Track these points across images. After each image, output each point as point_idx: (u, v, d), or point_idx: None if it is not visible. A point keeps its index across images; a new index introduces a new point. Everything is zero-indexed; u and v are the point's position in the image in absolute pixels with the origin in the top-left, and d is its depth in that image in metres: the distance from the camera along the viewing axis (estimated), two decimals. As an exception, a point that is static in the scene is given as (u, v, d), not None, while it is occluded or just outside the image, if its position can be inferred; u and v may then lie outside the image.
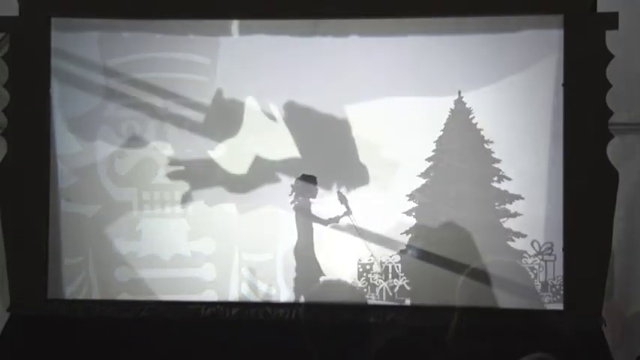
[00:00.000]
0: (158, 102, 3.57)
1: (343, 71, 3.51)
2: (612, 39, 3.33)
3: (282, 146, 3.54)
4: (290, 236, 3.53)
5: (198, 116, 3.57)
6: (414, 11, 3.46)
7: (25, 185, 3.55)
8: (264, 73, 3.54)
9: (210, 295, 3.54)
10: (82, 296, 3.58)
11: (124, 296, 3.57)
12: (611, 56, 3.32)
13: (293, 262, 3.51)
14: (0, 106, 3.57)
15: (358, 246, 3.49)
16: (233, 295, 3.54)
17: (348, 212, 3.46)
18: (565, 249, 3.39)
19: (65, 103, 3.59)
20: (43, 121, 3.57)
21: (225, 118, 3.56)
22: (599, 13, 3.37)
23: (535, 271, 3.41)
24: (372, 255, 3.47)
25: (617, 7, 3.34)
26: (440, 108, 3.46)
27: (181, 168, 3.57)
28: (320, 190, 3.50)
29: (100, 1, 3.57)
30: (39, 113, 3.57)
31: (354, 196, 3.50)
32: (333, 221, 3.48)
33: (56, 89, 3.57)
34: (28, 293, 3.54)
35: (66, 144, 3.59)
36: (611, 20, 3.33)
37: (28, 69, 3.56)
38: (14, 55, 3.54)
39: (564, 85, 3.39)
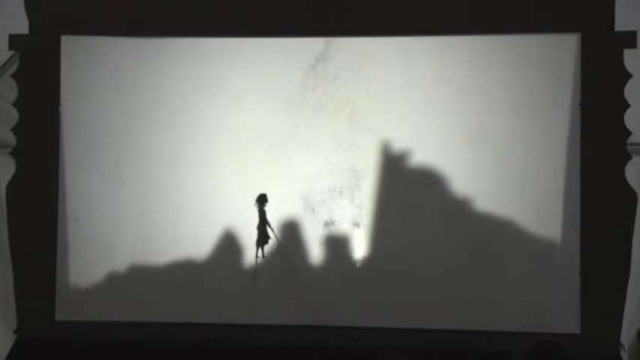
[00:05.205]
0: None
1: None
2: (631, 58, 3.28)
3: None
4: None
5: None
6: (428, 31, 3.42)
7: (33, 206, 3.52)
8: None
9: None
10: (89, 317, 3.55)
11: (134, 315, 3.53)
12: (629, 75, 3.27)
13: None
14: (9, 124, 3.55)
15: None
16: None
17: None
18: (582, 272, 3.33)
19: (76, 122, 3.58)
20: (51, 140, 3.55)
21: None
22: (617, 32, 3.31)
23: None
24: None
25: (635, 26, 3.29)
26: (456, 129, 3.41)
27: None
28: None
29: (108, 20, 3.54)
30: (48, 132, 3.54)
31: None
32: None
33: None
34: (36, 315, 3.51)
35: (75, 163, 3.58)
36: (630, 39, 3.28)
37: (38, 87, 3.53)
38: (24, 73, 3.52)
39: (581, 104, 3.34)
